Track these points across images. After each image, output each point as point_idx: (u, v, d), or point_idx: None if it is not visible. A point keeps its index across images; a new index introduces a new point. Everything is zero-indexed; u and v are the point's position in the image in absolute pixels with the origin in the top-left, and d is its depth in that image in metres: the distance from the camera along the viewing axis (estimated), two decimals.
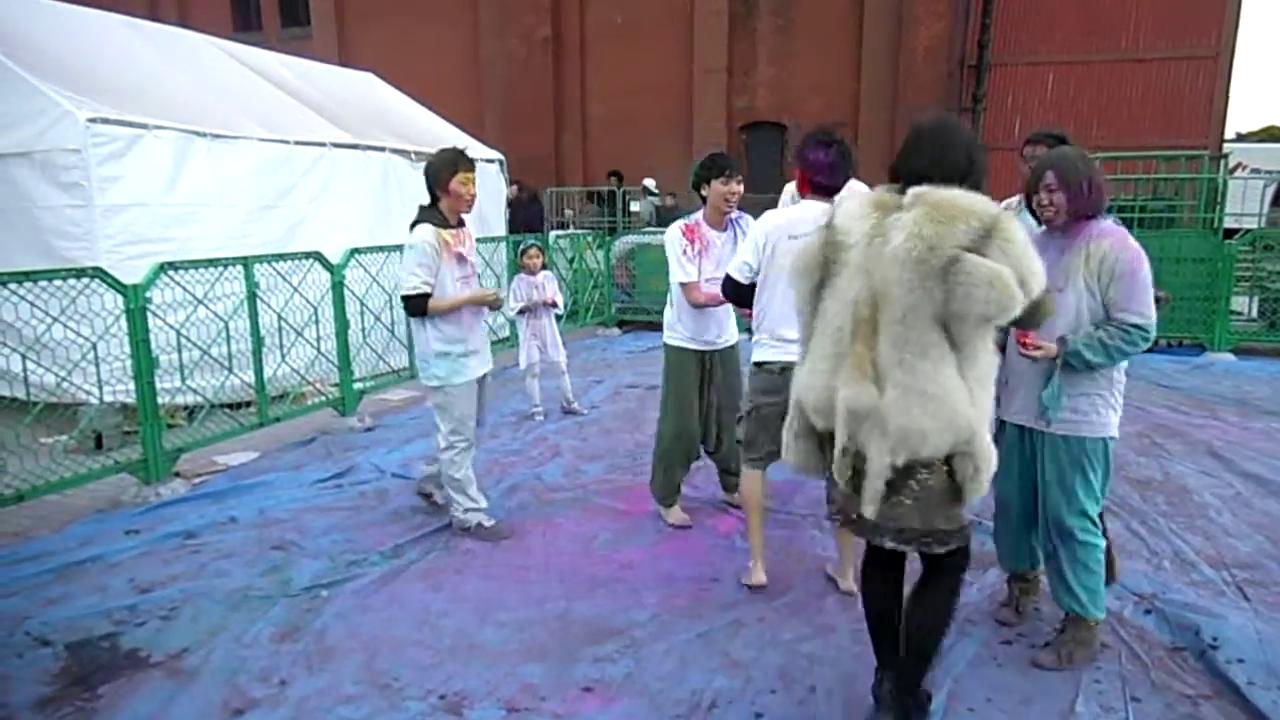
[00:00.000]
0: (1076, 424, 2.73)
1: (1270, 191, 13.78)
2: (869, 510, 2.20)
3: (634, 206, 14.12)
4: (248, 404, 5.58)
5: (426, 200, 3.91)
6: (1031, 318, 2.19)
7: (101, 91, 5.84)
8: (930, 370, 2.07)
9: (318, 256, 5.93)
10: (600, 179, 15.25)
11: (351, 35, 19.44)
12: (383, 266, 6.68)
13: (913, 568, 2.43)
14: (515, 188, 12.64)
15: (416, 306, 3.79)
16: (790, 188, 3.99)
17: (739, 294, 3.38)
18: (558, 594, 3.45)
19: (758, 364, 3.39)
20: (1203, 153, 11.85)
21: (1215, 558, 3.70)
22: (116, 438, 5.26)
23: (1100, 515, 2.85)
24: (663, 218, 13.44)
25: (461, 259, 3.86)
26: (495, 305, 4.10)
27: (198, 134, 6.14)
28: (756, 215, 3.56)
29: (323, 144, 7.23)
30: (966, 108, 15.86)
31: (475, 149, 7.90)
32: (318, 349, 6.03)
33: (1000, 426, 2.88)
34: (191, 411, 5.39)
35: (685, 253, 3.92)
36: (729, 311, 4.03)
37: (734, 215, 3.99)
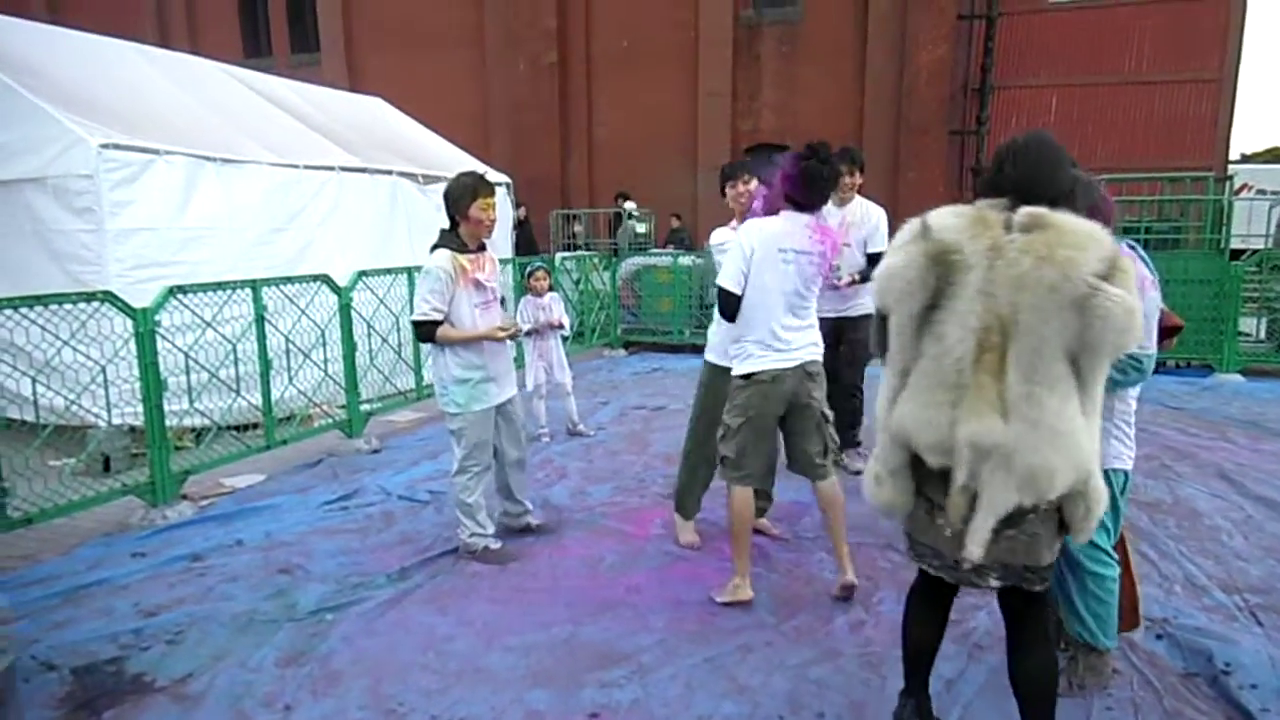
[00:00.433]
0: None
1: (1277, 212, 13.78)
2: (976, 552, 2.03)
3: (640, 228, 14.19)
4: (255, 426, 5.59)
5: (445, 224, 3.91)
6: None
7: (114, 118, 5.91)
8: (1058, 406, 1.94)
9: (325, 279, 5.96)
10: (606, 201, 15.34)
11: (360, 61, 19.67)
12: (390, 288, 6.71)
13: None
14: (523, 210, 12.74)
15: (425, 333, 3.81)
16: (719, 232, 4.07)
17: (735, 307, 3.35)
18: (564, 618, 3.44)
19: (745, 376, 3.36)
20: (1207, 174, 11.87)
21: (1227, 582, 3.67)
22: (124, 460, 5.28)
23: (1120, 546, 2.82)
24: (641, 241, 13.53)
25: (479, 285, 3.86)
26: (513, 337, 4.03)
27: (208, 159, 6.20)
28: None
29: (331, 168, 7.30)
30: (970, 130, 15.95)
31: (481, 171, 7.95)
32: (325, 371, 6.05)
33: None
34: (199, 434, 5.40)
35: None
36: None
37: (756, 208, 3.96)
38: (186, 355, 4.99)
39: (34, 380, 4.26)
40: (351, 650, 3.18)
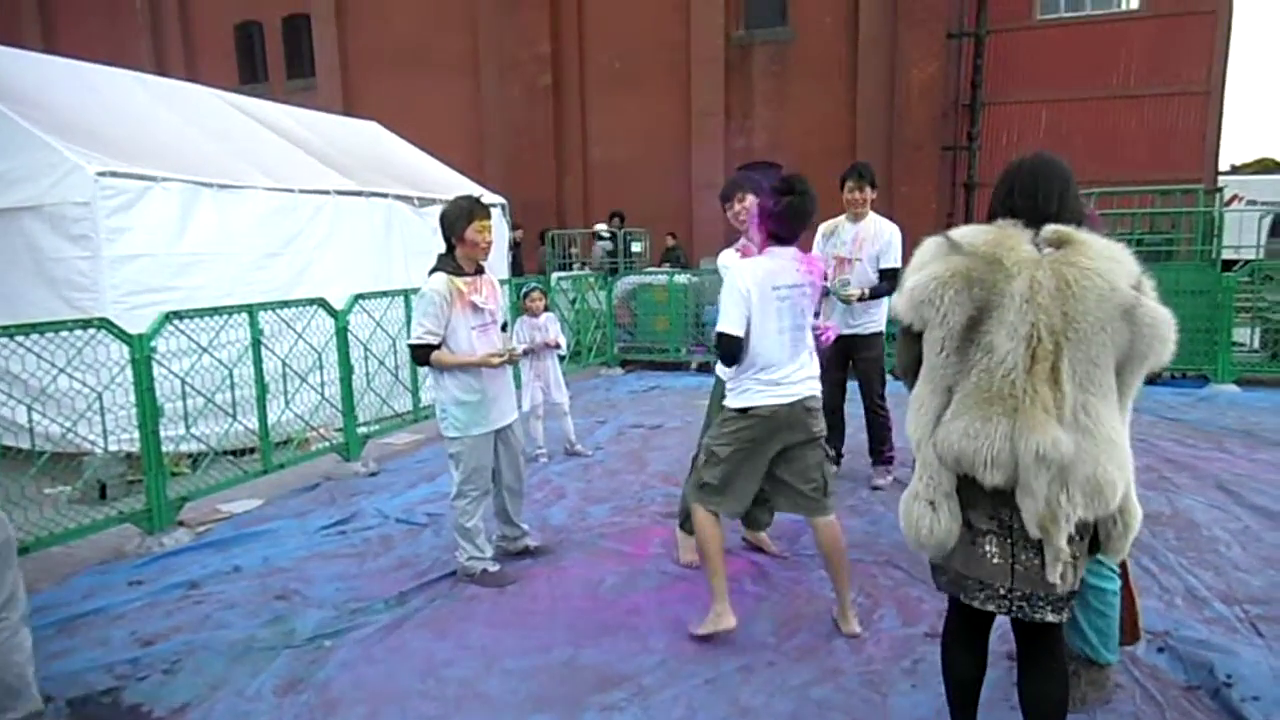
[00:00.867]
0: None
1: (1267, 222, 13.86)
2: (1054, 574, 1.96)
3: (635, 247, 14.24)
4: (251, 451, 5.58)
5: (442, 248, 3.93)
6: None
7: (110, 146, 5.94)
8: (1109, 415, 1.93)
9: (322, 303, 5.97)
10: (601, 221, 15.42)
11: (355, 86, 19.82)
12: (386, 311, 6.72)
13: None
14: (520, 231, 12.79)
15: (421, 357, 3.82)
16: (725, 253, 3.98)
17: (739, 350, 3.25)
18: (564, 640, 3.42)
19: (741, 410, 3.28)
20: (1198, 186, 11.96)
21: (1227, 593, 3.67)
22: (120, 487, 5.26)
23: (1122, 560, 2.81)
24: (613, 262, 13.58)
25: (477, 308, 3.86)
26: (511, 361, 3.99)
27: (204, 185, 6.23)
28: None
29: (327, 191, 7.33)
30: (962, 146, 16.07)
31: (477, 193, 8.00)
32: (322, 394, 6.05)
33: None
34: (195, 459, 5.39)
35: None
36: None
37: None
38: (183, 380, 4.99)
39: (29, 408, 4.26)
40: (350, 677, 3.16)
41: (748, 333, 3.21)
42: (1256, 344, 9.20)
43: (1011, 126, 16.18)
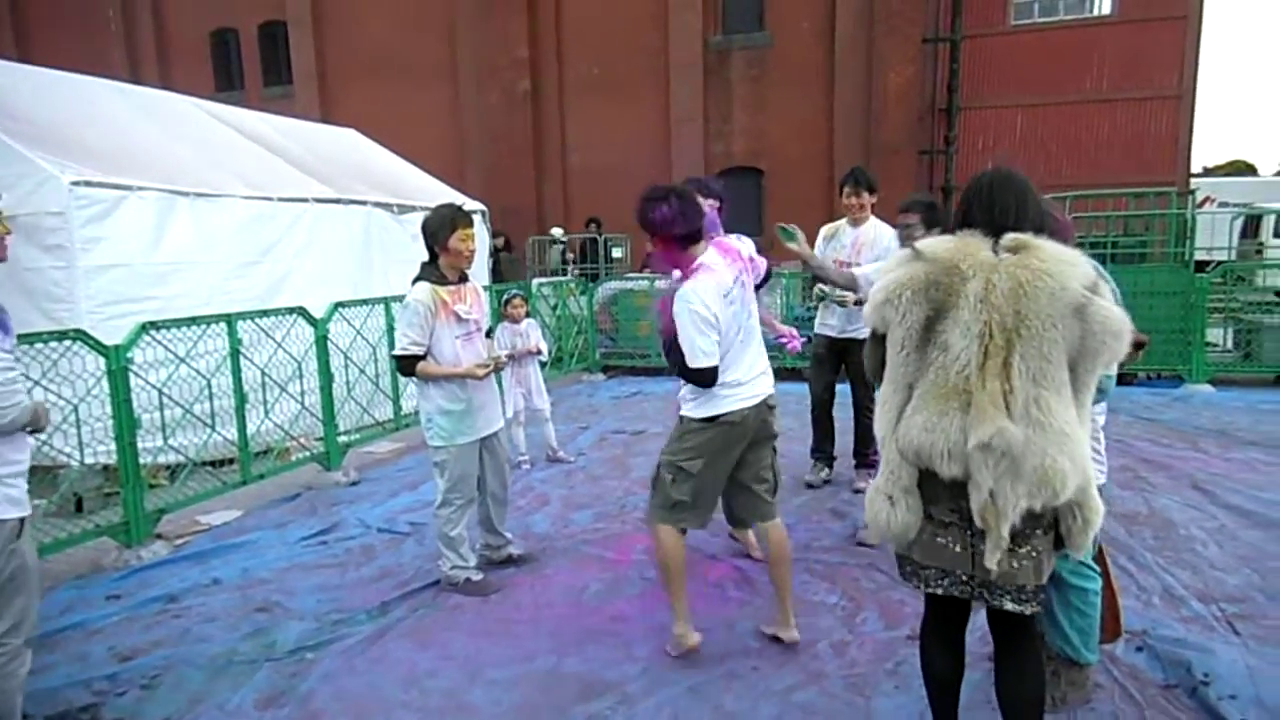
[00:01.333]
0: None
1: (1239, 224, 14.08)
2: (992, 561, 2.04)
3: (615, 253, 14.25)
4: (231, 461, 5.53)
5: (425, 256, 3.91)
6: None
7: (85, 155, 5.88)
8: (1063, 410, 2.00)
9: (301, 311, 5.94)
10: (582, 227, 15.43)
11: (333, 93, 19.69)
12: (367, 319, 6.69)
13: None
14: (502, 239, 12.76)
15: (406, 367, 3.82)
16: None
17: (715, 378, 3.07)
18: (548, 649, 3.41)
19: (710, 419, 3.12)
20: (1170, 189, 12.13)
21: (1203, 592, 3.72)
22: (97, 500, 5.20)
23: (1099, 558, 2.85)
24: (566, 267, 13.59)
25: (460, 318, 3.85)
26: (496, 369, 3.98)
27: (180, 193, 6.18)
28: None
29: (305, 199, 7.29)
30: (939, 150, 16.20)
31: (458, 200, 7.98)
32: (302, 404, 6.01)
33: None
34: (173, 471, 5.33)
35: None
36: None
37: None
38: (160, 391, 4.94)
39: None
40: (332, 689, 3.14)
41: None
42: (1229, 344, 9.35)
43: (988, 131, 16.35)
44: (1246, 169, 41.18)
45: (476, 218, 9.41)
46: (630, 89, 17.58)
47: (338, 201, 7.65)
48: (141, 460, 4.67)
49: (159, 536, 4.73)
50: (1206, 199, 16.88)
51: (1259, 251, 14.57)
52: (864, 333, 5.19)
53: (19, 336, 4.14)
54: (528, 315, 6.43)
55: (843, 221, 5.31)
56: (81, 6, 20.95)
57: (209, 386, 5.28)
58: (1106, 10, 15.92)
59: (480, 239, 9.50)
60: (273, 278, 6.86)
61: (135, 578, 4.29)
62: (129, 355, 4.59)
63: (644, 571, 4.18)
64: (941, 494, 2.13)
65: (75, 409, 4.45)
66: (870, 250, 5.13)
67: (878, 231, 5.19)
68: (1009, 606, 2.12)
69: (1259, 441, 6.27)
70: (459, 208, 3.91)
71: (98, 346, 4.46)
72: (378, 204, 8.12)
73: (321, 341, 6.03)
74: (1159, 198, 11.37)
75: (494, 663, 3.31)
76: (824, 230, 5.44)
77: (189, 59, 20.95)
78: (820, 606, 3.71)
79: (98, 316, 5.40)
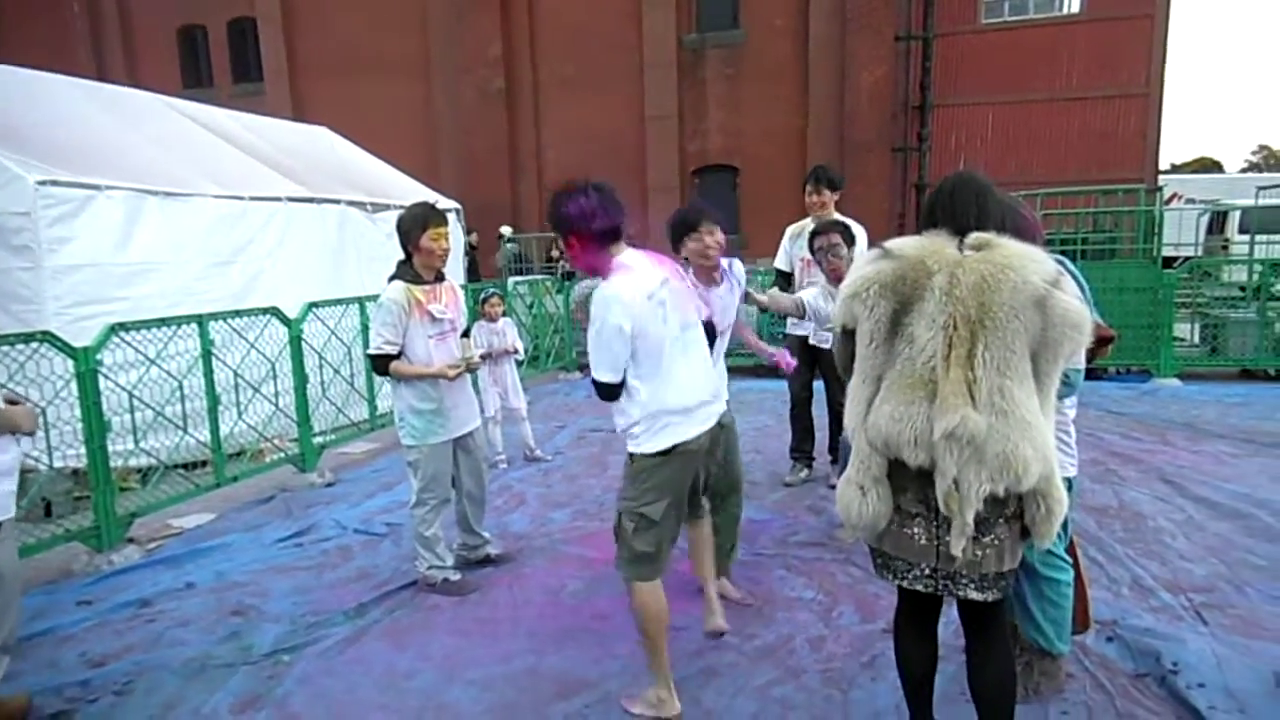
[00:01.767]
0: None
1: (1205, 220, 14.32)
2: (957, 548, 2.09)
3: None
4: (203, 464, 5.47)
5: (400, 255, 3.90)
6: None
7: (51, 154, 5.78)
8: (1026, 399, 2.05)
9: (274, 311, 5.88)
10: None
11: (304, 91, 19.51)
12: (341, 319, 6.64)
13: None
14: (475, 235, 12.69)
15: (379, 366, 3.81)
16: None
17: (615, 393, 2.75)
18: (526, 648, 3.41)
19: (664, 452, 2.74)
20: (1139, 186, 12.32)
21: (1172, 583, 3.78)
22: (67, 505, 5.11)
23: (1070, 550, 2.89)
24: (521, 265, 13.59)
25: (434, 317, 3.83)
26: (470, 369, 3.96)
27: (150, 193, 6.09)
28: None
29: (278, 198, 7.21)
30: (913, 148, 16.34)
31: (431, 198, 7.95)
32: (276, 405, 5.95)
33: None
34: (145, 474, 5.26)
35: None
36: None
37: (724, 265, 3.64)
38: (130, 394, 4.88)
39: None
40: (309, 692, 3.12)
41: (643, 363, 2.71)
42: (1196, 339, 9.52)
43: (960, 128, 16.51)
44: (1213, 166, 41.89)
45: (451, 216, 9.39)
46: (604, 87, 17.57)
47: (311, 200, 7.59)
48: (112, 463, 4.61)
49: (131, 541, 4.67)
50: (1174, 196, 17.14)
51: (1225, 247, 14.83)
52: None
53: None
54: (504, 314, 6.41)
55: (807, 220, 5.35)
56: (44, 2, 20.58)
57: (181, 388, 5.22)
58: (1075, 9, 16.13)
59: (455, 238, 9.48)
60: (245, 278, 6.79)
61: (107, 583, 4.23)
62: (98, 357, 4.53)
63: None
64: (909, 484, 2.17)
65: (44, 412, 4.38)
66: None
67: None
68: (973, 595, 2.17)
69: (1225, 434, 6.39)
70: (432, 206, 3.89)
71: (66, 348, 4.39)
72: (351, 203, 8.05)
73: (295, 342, 5.97)
74: (1127, 194, 11.54)
75: (472, 662, 3.30)
76: (790, 230, 5.48)
77: (156, 56, 20.67)
78: (797, 602, 3.74)
79: (65, 318, 5.32)
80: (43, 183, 5.36)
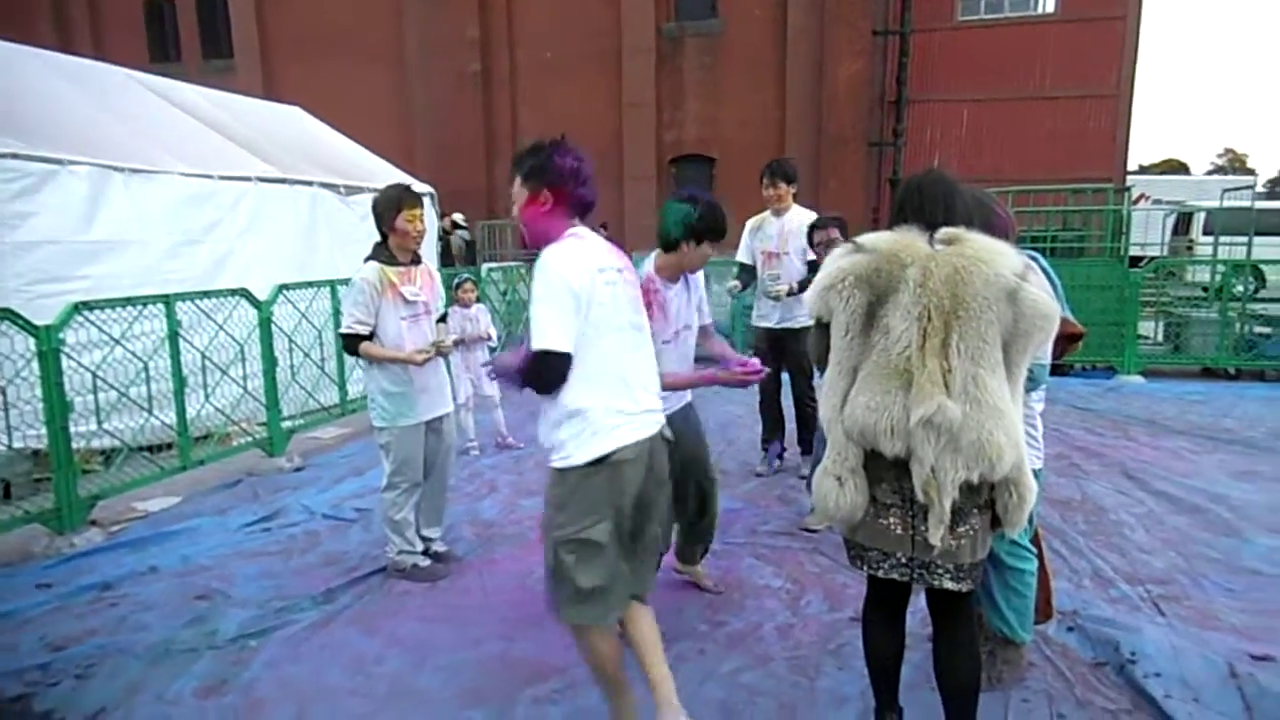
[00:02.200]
0: None
1: (1171, 221, 14.57)
2: (935, 536, 2.12)
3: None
4: (169, 446, 5.38)
5: (373, 236, 3.87)
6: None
7: (11, 126, 5.62)
8: (998, 387, 2.09)
9: (244, 293, 5.79)
10: None
11: (277, 68, 19.19)
12: (312, 302, 6.56)
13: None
14: (450, 220, 12.57)
15: (350, 346, 3.78)
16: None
17: (566, 372, 2.31)
18: (496, 634, 3.41)
19: (598, 461, 2.32)
20: (1107, 185, 12.50)
21: (1131, 574, 3.87)
22: (26, 486, 5.01)
23: (1036, 540, 2.94)
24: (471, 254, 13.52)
25: (408, 300, 3.80)
26: (441, 354, 3.92)
27: (115, 169, 5.96)
28: None
29: (248, 178, 7.10)
30: (888, 142, 16.44)
31: (406, 182, 7.87)
32: (244, 388, 5.87)
33: None
34: (108, 456, 5.17)
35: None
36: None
37: None
38: (94, 374, 4.78)
39: None
40: (276, 677, 3.09)
41: (587, 347, 2.32)
42: (1160, 337, 9.71)
43: (935, 124, 16.64)
44: (1180, 168, 42.62)
45: (426, 200, 9.31)
46: (582, 73, 17.48)
47: (282, 181, 7.47)
48: (75, 445, 4.52)
49: (93, 523, 4.59)
50: (1141, 196, 17.42)
51: (1189, 248, 15.11)
52: (798, 322, 5.24)
53: None
54: (478, 300, 6.38)
55: (766, 213, 5.37)
56: None
57: (146, 369, 5.13)
58: (1050, 9, 16.30)
59: (429, 221, 9.39)
60: (214, 258, 6.67)
61: (67, 565, 4.16)
62: (61, 336, 4.44)
63: None
64: (885, 475, 2.20)
65: (3, 391, 4.29)
66: (797, 239, 5.20)
67: (803, 220, 5.25)
68: (947, 585, 2.20)
69: (1185, 431, 6.52)
70: (407, 187, 3.87)
71: (28, 326, 4.30)
72: (324, 185, 7.94)
73: (265, 324, 5.89)
74: (1096, 194, 11.71)
75: (442, 648, 3.29)
76: (749, 223, 5.49)
77: (122, 28, 20.21)
78: (766, 590, 3.77)
79: (26, 295, 5.19)
80: (3, 155, 5.22)
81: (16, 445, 4.51)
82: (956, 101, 16.48)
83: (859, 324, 2.20)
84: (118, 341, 4.93)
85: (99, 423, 4.89)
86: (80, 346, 4.71)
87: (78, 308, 4.62)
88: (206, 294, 5.60)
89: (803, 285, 5.08)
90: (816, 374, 2.69)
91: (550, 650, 3.26)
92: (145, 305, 5.09)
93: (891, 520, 2.21)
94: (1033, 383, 2.57)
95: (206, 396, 5.60)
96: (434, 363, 3.91)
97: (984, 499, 2.17)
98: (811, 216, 5.29)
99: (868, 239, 2.27)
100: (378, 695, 2.97)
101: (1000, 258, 2.12)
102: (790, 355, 5.32)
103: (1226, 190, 14.53)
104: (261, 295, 5.92)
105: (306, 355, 6.55)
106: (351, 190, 8.22)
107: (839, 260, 2.26)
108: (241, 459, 5.82)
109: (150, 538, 4.52)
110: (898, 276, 2.16)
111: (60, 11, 20.26)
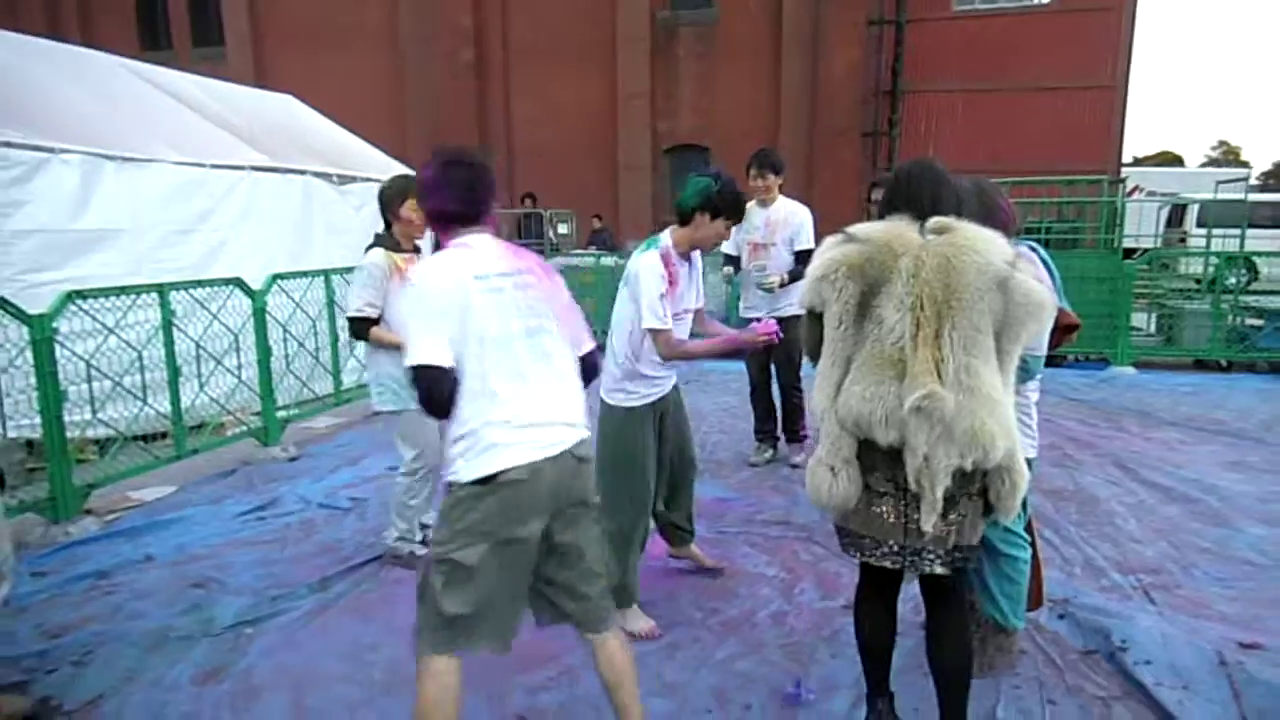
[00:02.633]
0: None
1: (1164, 213, 14.60)
2: (928, 524, 2.14)
3: (561, 229, 14.15)
4: (164, 435, 5.38)
5: (370, 226, 3.92)
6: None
7: (2, 115, 5.59)
8: (990, 376, 2.11)
9: (238, 282, 5.78)
10: (518, 203, 15.28)
11: (269, 57, 19.07)
12: (306, 291, 6.55)
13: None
14: None
15: (359, 329, 3.80)
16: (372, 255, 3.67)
17: (452, 391, 2.13)
18: None
19: (485, 480, 2.13)
20: (1102, 177, 12.51)
21: (1122, 563, 3.90)
22: (20, 475, 5.00)
23: (1029, 529, 2.96)
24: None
25: None
26: None
27: (107, 157, 5.93)
28: None
29: (241, 167, 7.07)
30: (883, 133, 16.43)
31: (399, 172, 7.85)
32: (239, 377, 5.86)
33: None
34: (103, 445, 5.17)
35: (664, 294, 3.16)
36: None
37: None
38: (88, 363, 4.77)
39: None
40: (272, 664, 3.11)
41: (476, 358, 2.14)
42: (1153, 329, 9.74)
43: (930, 115, 16.63)
44: (1174, 160, 42.70)
45: None
46: (577, 63, 17.42)
47: (276, 170, 7.44)
48: (69, 434, 4.52)
49: (88, 512, 4.59)
50: (1135, 188, 17.44)
51: (1182, 240, 15.15)
52: (786, 311, 5.24)
53: None
54: None
55: (753, 203, 5.37)
56: None
57: (140, 359, 5.12)
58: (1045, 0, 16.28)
59: None
60: (207, 247, 6.65)
61: (63, 554, 4.16)
62: (54, 325, 4.43)
63: None
64: (879, 463, 2.21)
65: None
66: (784, 229, 5.21)
67: (789, 210, 5.28)
68: (939, 570, 2.22)
69: (1177, 422, 6.56)
70: (413, 177, 3.90)
71: (21, 315, 4.28)
72: (317, 174, 7.91)
73: (259, 314, 5.88)
74: (1091, 185, 11.72)
75: None
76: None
77: (113, 15, 20.05)
78: (760, 578, 3.79)
79: (18, 284, 5.17)
80: None
81: (11, 434, 4.50)
82: (951, 92, 16.46)
83: (852, 314, 2.21)
84: (112, 330, 4.92)
85: (93, 412, 4.89)
86: (74, 335, 4.70)
87: (71, 296, 4.60)
88: (200, 283, 5.59)
89: (792, 276, 5.07)
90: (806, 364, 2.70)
91: (545, 638, 3.24)
92: (139, 294, 5.08)
93: (885, 508, 2.23)
94: (1027, 373, 2.59)
95: (201, 386, 5.60)
96: None
97: (976, 486, 2.19)
98: (797, 207, 5.31)
99: (860, 229, 2.29)
100: (372, 682, 2.98)
101: (991, 246, 2.13)
102: (778, 345, 5.32)
103: (1220, 183, 14.56)
104: (255, 285, 5.91)
105: (301, 345, 6.54)
106: (345, 179, 8.19)
107: (830, 250, 2.28)
108: (236, 448, 5.82)
109: (145, 526, 4.52)
110: (890, 266, 2.17)
111: None
